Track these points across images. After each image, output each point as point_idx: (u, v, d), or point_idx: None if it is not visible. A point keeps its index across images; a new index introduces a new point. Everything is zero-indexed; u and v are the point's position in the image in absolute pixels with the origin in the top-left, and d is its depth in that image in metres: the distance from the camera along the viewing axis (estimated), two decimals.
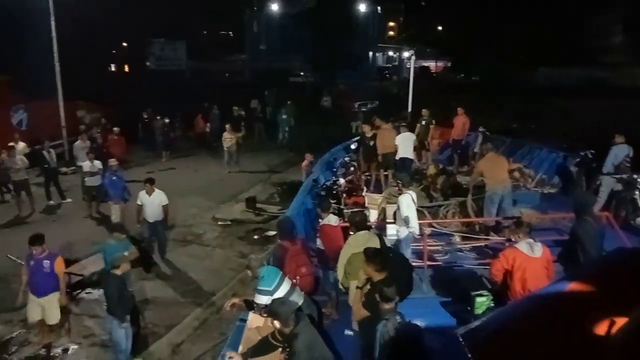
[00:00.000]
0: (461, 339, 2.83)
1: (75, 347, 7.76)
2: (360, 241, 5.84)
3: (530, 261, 5.75)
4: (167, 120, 21.20)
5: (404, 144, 12.29)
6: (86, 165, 13.33)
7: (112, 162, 12.12)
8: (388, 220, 8.48)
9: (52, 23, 19.38)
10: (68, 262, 10.27)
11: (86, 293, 9.22)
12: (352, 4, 54.97)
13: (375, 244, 5.85)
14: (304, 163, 13.39)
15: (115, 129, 17.58)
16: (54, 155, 14.72)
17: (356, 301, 5.30)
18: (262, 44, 61.35)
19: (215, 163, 19.26)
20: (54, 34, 19.49)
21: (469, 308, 6.27)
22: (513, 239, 6.14)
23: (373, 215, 9.31)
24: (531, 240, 5.88)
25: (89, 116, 23.12)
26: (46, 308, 7.40)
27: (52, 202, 14.35)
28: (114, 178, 11.83)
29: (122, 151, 17.62)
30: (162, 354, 7.62)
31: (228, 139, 18.19)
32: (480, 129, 14.81)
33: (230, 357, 4.89)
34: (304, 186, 11.26)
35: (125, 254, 7.70)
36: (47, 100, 21.69)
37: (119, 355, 7.06)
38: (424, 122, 14.67)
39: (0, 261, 10.44)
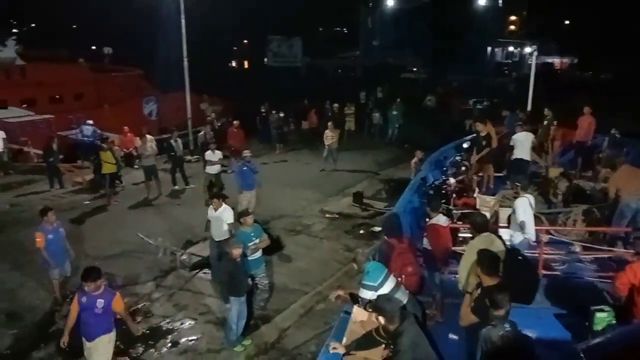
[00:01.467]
0: (582, 355, 2.68)
1: (192, 322, 8.37)
2: (484, 243, 5.61)
3: None
4: (281, 115, 21.97)
5: (521, 144, 11.68)
6: (208, 154, 14.26)
7: (246, 152, 12.40)
8: (501, 225, 8.14)
9: (182, 21, 20.83)
10: (189, 244, 11.21)
11: (204, 273, 9.89)
12: None
13: (499, 246, 5.68)
14: (414, 160, 13.24)
15: (235, 121, 18.57)
16: (180, 144, 15.92)
17: (465, 306, 5.17)
18: (375, 39, 61.34)
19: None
20: (183, 31, 20.94)
21: (586, 323, 5.85)
22: None
23: None
24: None
25: (211, 109, 24.69)
26: (92, 353, 6.33)
27: (176, 187, 15.56)
28: (244, 168, 12.03)
29: (240, 142, 18.60)
30: (269, 337, 7.98)
31: (330, 136, 18.03)
32: (612, 131, 13.61)
33: (334, 348, 5.01)
34: (411, 184, 11.14)
35: (257, 240, 8.15)
36: (175, 92, 23.49)
37: (230, 333, 7.55)
38: (545, 122, 13.81)
39: (131, 238, 11.56)
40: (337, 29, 71.28)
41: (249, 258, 7.99)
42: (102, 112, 21.45)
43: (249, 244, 8.00)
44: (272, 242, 9.99)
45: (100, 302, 6.10)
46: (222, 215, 9.04)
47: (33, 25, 57.43)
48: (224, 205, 9.13)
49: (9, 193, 15.34)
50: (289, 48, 56.71)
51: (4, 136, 17.49)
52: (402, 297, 5.41)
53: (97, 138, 18.02)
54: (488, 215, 8.99)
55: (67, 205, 13.78)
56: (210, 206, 9.22)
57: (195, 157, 18.59)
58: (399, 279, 5.78)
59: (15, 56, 22.95)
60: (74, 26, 55.77)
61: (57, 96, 22.28)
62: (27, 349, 7.72)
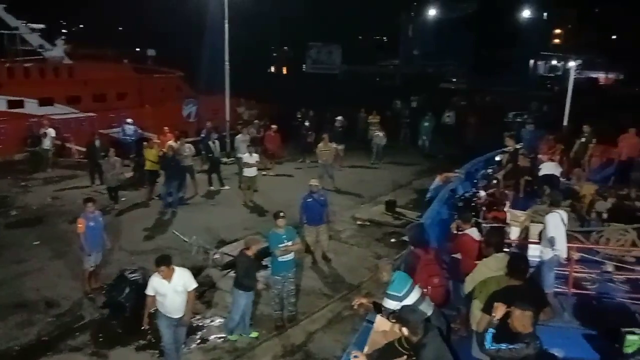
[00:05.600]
0: None
1: (222, 320, 8.52)
2: (500, 264, 5.53)
3: None
4: (306, 124, 21.12)
5: (548, 167, 11.60)
6: (245, 157, 14.54)
7: (313, 181, 10.76)
8: (531, 240, 8.04)
9: (226, 26, 21.26)
10: (222, 243, 11.42)
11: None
12: (515, 10, 52.42)
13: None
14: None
15: (273, 126, 18.82)
16: (217, 146, 16.25)
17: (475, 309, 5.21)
18: (415, 48, 61.06)
19: (360, 163, 19.76)
20: (226, 36, 21.35)
21: (616, 345, 5.73)
22: None
23: (514, 233, 8.86)
24: None
25: (247, 112, 25.07)
26: None
27: (212, 187, 15.89)
28: (309, 200, 10.59)
29: (277, 147, 18.87)
30: (297, 339, 8.11)
31: (324, 151, 16.02)
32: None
33: (355, 357, 4.96)
34: (440, 195, 11.08)
35: (289, 243, 8.24)
36: (213, 95, 23.97)
37: (230, 323, 7.95)
38: (583, 139, 13.57)
39: (166, 235, 11.96)
40: (377, 37, 71.33)
41: (279, 259, 8.16)
42: (143, 112, 22.08)
43: (280, 245, 8.13)
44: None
45: None
46: (179, 285, 6.77)
47: (82, 26, 59.91)
48: (176, 269, 6.84)
49: (51, 187, 16.02)
50: (328, 55, 57.11)
51: (54, 134, 18.20)
52: (427, 308, 5.39)
53: (138, 137, 18.57)
54: (518, 230, 8.92)
55: (107, 200, 14.23)
56: (157, 276, 6.76)
57: (232, 159, 18.94)
58: (425, 290, 5.76)
59: (63, 55, 23.91)
60: (120, 28, 57.83)
61: (101, 95, 23.06)
62: (63, 336, 8.10)
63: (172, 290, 6.74)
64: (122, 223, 12.84)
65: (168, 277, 6.70)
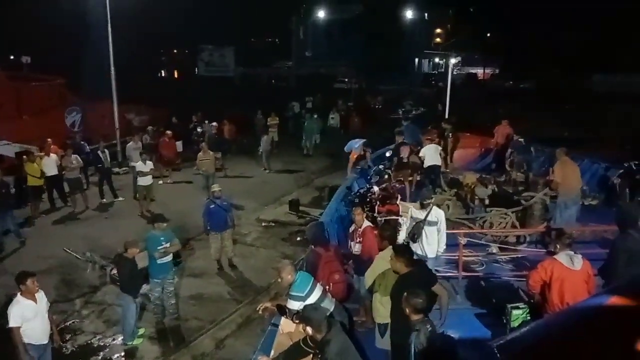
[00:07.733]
0: (497, 352, 2.82)
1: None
2: None
3: (569, 273, 5.59)
4: (199, 129, 20.73)
5: (430, 152, 12.46)
6: (139, 165, 13.94)
7: (215, 187, 10.54)
8: None
9: (109, 29, 20.22)
10: None
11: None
12: (398, 10, 54.97)
13: None
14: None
15: (167, 131, 18.18)
16: (107, 155, 15.41)
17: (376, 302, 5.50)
18: (307, 50, 61.87)
19: (259, 166, 19.72)
20: (110, 40, 20.30)
21: (504, 320, 6.22)
22: (553, 250, 6.04)
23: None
24: (571, 252, 5.71)
25: (137, 118, 23.93)
26: None
27: (104, 200, 15.06)
28: (211, 206, 10.23)
29: (173, 153, 18.26)
30: (206, 348, 7.97)
31: (203, 160, 15.20)
32: (515, 137, 14.55)
33: None
34: (337, 193, 11.44)
35: (167, 245, 8.19)
36: (100, 102, 22.62)
37: (127, 328, 7.83)
38: (445, 134, 14.95)
39: (58, 254, 11.12)
40: (270, 39, 71.36)
41: (157, 262, 8.11)
42: (21, 123, 20.30)
43: (158, 248, 8.08)
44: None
45: None
46: (44, 303, 6.35)
47: None
48: (41, 290, 6.37)
49: None
50: (221, 57, 56.11)
51: None
52: (329, 305, 5.47)
53: None
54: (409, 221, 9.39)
55: None
56: (22, 299, 6.12)
57: (124, 168, 18.04)
58: (327, 287, 5.85)
59: None
60: None
61: None
62: None
63: (42, 310, 6.21)
64: (6, 244, 11.80)
65: (34, 293, 6.12)
